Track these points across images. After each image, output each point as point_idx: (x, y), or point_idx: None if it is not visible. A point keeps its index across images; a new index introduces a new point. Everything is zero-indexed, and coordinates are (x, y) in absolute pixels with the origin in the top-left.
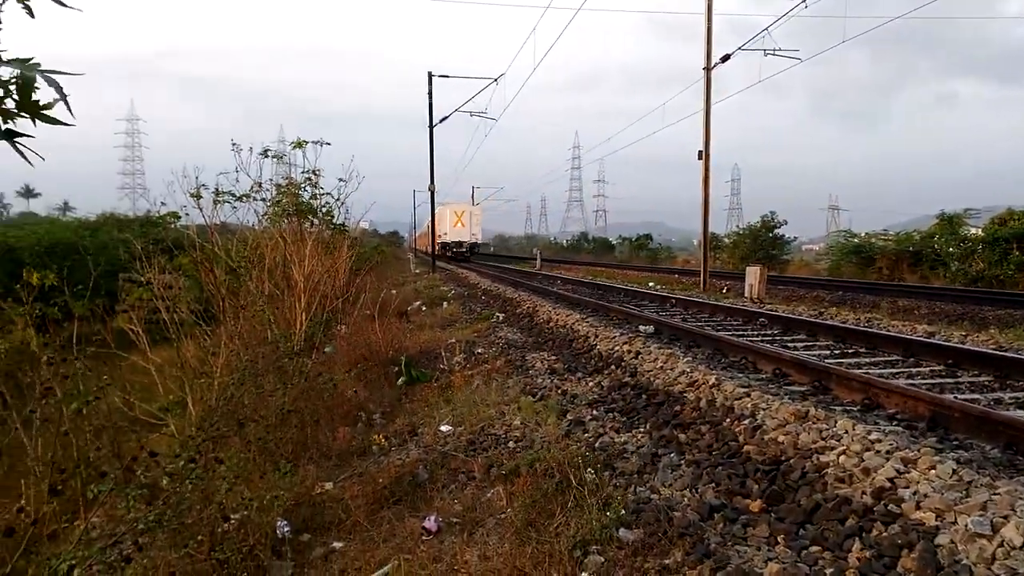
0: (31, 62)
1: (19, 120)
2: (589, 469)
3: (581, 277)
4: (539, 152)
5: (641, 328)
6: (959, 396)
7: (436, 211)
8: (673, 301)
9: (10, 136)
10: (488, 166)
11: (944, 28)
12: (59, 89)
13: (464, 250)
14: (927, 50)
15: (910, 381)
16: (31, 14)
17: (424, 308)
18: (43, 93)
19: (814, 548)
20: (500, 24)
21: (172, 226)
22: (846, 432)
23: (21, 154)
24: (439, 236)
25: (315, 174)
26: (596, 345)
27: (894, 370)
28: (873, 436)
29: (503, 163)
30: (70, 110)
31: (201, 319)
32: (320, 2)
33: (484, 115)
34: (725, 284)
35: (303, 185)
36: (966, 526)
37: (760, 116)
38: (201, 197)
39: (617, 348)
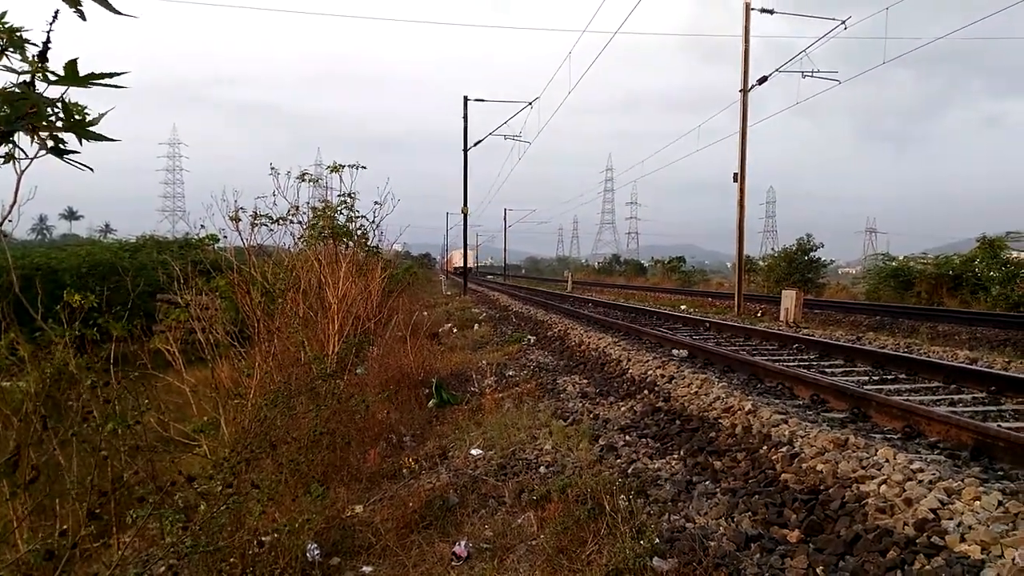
0: (82, 76)
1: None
2: (622, 496)
3: (613, 300)
4: (572, 174)
5: (674, 352)
6: (1003, 424)
7: (450, 254)
8: (707, 325)
9: (59, 153)
10: (521, 188)
11: (993, 46)
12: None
13: (463, 270)
14: (974, 70)
15: (952, 409)
16: (83, 17)
17: (455, 330)
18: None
19: None
20: (536, 49)
21: (210, 248)
22: (887, 461)
23: (74, 164)
24: (453, 264)
25: (351, 197)
26: (628, 369)
27: (935, 397)
28: (915, 465)
29: (536, 185)
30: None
31: (236, 340)
32: (361, 31)
33: (518, 138)
34: (760, 308)
35: (339, 208)
36: (1013, 560)
37: (798, 138)
38: (239, 220)
39: (650, 372)
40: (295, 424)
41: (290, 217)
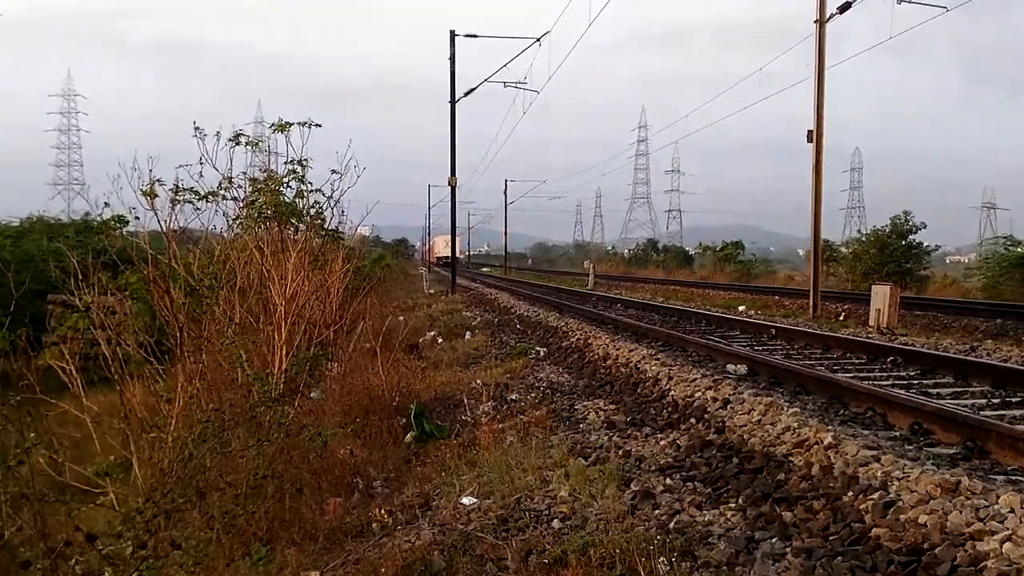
0: None
1: None
2: (661, 558)
3: (648, 299)
4: (594, 134)
5: (730, 368)
6: None
7: (433, 240)
8: (772, 331)
9: None
10: (526, 152)
11: None
12: None
13: (448, 260)
14: None
15: None
16: None
17: (440, 340)
18: None
19: None
20: None
21: (117, 233)
22: (1011, 511)
23: None
24: (435, 252)
25: (301, 165)
26: (669, 390)
27: None
28: None
29: (546, 148)
30: None
31: (152, 354)
32: None
33: (522, 86)
34: (842, 308)
35: (286, 179)
36: None
37: (890, 85)
38: (156, 196)
39: (698, 394)
40: (230, 465)
41: (222, 192)
